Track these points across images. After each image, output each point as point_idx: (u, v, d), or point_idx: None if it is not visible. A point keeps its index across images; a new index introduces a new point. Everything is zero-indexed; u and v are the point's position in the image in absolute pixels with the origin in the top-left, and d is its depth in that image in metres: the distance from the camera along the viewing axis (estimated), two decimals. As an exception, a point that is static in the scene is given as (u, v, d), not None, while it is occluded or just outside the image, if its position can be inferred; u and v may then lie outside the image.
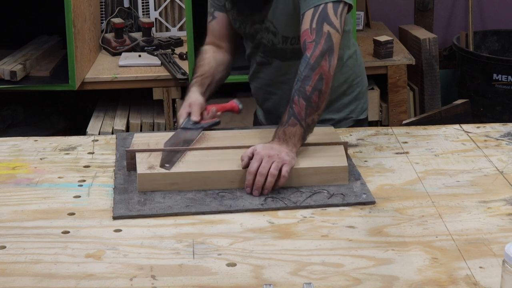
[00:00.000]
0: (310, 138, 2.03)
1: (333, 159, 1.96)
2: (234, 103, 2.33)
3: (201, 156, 1.98)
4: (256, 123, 2.57)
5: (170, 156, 1.97)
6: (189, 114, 2.20)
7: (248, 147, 1.96)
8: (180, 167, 1.92)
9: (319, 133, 2.11)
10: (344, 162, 1.94)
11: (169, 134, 2.14)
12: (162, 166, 1.93)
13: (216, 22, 2.40)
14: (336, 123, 2.39)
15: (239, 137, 2.12)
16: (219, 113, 2.25)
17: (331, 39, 2.04)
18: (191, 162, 1.95)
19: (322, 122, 2.32)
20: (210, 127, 2.18)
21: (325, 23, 2.06)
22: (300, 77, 2.01)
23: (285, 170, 1.89)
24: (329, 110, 2.37)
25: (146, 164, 1.94)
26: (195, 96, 2.24)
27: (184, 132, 2.13)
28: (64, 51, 3.66)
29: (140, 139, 2.09)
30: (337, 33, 2.06)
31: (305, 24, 2.08)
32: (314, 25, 2.06)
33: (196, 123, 2.16)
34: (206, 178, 1.91)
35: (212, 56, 2.38)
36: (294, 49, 2.24)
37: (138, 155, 1.98)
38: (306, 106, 1.98)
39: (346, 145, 2.05)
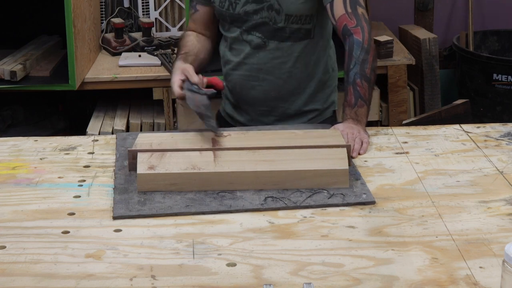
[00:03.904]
0: (314, 141, 2.04)
1: (334, 161, 1.95)
2: (218, 79, 2.32)
3: (201, 157, 1.98)
4: (223, 124, 2.53)
5: (208, 120, 2.04)
6: (184, 80, 2.21)
7: (249, 148, 1.97)
8: (179, 168, 1.93)
9: (324, 135, 2.10)
10: (344, 165, 1.94)
11: (173, 134, 2.13)
12: (216, 133, 2.02)
13: (199, 14, 2.48)
14: (320, 114, 2.49)
15: (238, 139, 2.11)
16: (205, 80, 2.25)
17: (366, 19, 2.28)
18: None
19: (308, 112, 2.46)
20: (212, 96, 2.17)
21: (357, 6, 2.28)
22: (358, 61, 2.22)
23: (365, 147, 2.14)
24: (315, 100, 2.47)
25: (146, 164, 1.93)
26: (183, 64, 2.27)
27: (194, 95, 2.13)
28: (64, 51, 3.66)
29: (143, 139, 2.07)
30: (365, 10, 2.31)
31: (339, 10, 2.27)
32: (349, 10, 2.27)
33: (198, 87, 2.17)
34: (205, 179, 1.90)
35: (196, 39, 2.46)
36: (294, 29, 2.34)
37: (139, 155, 1.98)
38: (368, 86, 2.23)
39: (350, 148, 2.04)
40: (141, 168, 1.92)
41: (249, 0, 2.33)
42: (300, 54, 2.39)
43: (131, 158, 2.00)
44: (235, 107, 2.51)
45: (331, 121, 2.48)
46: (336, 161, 1.96)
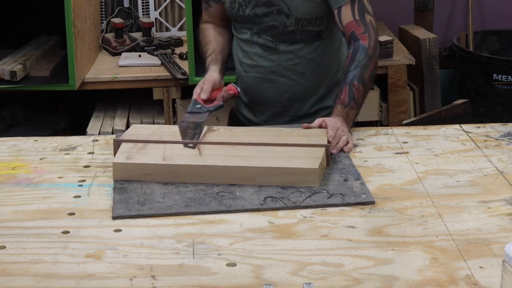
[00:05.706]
0: (295, 139, 2.06)
1: (305, 160, 1.94)
2: (233, 86, 2.35)
3: (179, 150, 2.02)
4: (237, 124, 2.54)
5: (190, 135, 2.04)
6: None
7: (228, 144, 2.02)
8: (152, 159, 1.97)
9: (309, 134, 2.11)
10: (314, 165, 1.92)
11: (163, 126, 2.22)
12: (186, 146, 2.01)
13: (213, 9, 2.48)
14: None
15: (223, 134, 2.13)
16: (221, 94, 2.30)
17: (374, 27, 2.30)
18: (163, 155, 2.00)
19: (321, 110, 2.45)
20: (216, 110, 2.25)
21: (365, 13, 2.29)
22: (360, 65, 2.22)
23: (350, 146, 2.12)
24: (328, 98, 2.46)
25: (126, 154, 1.99)
26: (211, 74, 2.33)
27: (191, 116, 2.18)
28: (64, 51, 3.66)
29: (133, 130, 2.15)
30: (373, 17, 2.31)
31: (347, 17, 2.28)
32: (357, 17, 2.28)
33: (201, 106, 2.23)
34: (176, 171, 1.94)
35: (216, 32, 2.47)
36: (304, 32, 2.34)
37: (123, 145, 2.04)
38: (363, 92, 2.24)
39: (329, 148, 2.03)
40: (118, 158, 1.99)
41: (258, 3, 2.32)
42: (312, 56, 2.38)
43: (116, 148, 2.05)
44: (249, 108, 2.51)
45: None
46: (307, 160, 1.94)
